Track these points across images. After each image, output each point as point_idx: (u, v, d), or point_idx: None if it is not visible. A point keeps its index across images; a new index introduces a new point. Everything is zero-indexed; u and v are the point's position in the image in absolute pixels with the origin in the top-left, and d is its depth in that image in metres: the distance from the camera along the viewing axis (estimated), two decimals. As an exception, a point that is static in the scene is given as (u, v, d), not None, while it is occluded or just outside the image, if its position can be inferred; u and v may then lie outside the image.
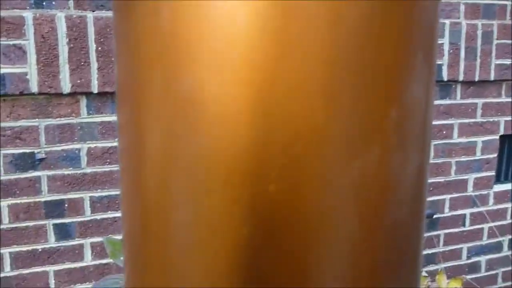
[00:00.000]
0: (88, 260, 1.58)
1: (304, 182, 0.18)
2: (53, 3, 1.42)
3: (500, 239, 2.24)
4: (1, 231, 1.47)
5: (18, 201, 1.48)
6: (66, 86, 1.45)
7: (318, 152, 0.18)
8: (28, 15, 1.39)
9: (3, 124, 1.43)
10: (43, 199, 1.50)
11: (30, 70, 1.41)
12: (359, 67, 0.18)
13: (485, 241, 2.20)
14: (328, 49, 0.18)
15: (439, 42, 1.89)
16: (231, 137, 0.18)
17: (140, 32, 0.20)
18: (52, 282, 1.55)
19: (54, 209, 1.51)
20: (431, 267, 2.11)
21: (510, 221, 2.24)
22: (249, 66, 0.18)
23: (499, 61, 2.02)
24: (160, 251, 0.21)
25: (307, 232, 0.19)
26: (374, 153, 0.19)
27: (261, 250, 0.19)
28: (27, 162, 1.47)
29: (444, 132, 2.01)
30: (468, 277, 2.19)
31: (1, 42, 1.38)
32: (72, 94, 1.47)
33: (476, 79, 2.00)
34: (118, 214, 1.58)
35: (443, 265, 2.13)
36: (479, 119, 2.06)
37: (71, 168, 1.50)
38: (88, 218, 1.55)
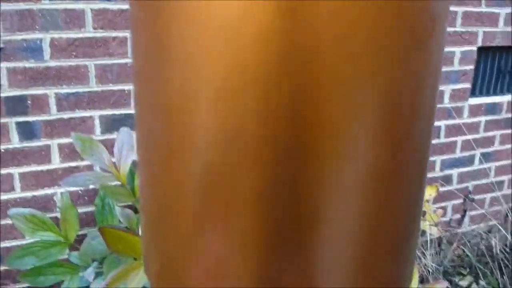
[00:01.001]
0: (56, 162, 1.49)
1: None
2: None
3: (473, 152, 2.26)
4: (-42, 129, 1.36)
5: (-24, 96, 1.36)
6: (23, -34, 1.30)
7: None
8: None
9: (-47, 8, 1.28)
10: (3, 95, 1.38)
11: None
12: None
13: (458, 154, 2.22)
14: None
15: None
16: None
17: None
18: (17, 185, 1.46)
19: (15, 105, 1.40)
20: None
21: (483, 134, 2.26)
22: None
23: (481, -33, 1.96)
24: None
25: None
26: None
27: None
28: (-17, 52, 1.33)
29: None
30: (441, 189, 2.22)
31: None
32: (30, -23, 1.33)
33: (458, -15, 1.94)
34: (86, 114, 1.48)
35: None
36: (458, 29, 2.02)
37: (32, 61, 1.38)
38: (54, 117, 1.45)
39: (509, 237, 1.94)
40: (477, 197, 2.31)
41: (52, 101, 1.43)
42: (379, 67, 0.22)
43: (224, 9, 0.21)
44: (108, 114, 1.51)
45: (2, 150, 1.41)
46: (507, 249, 1.91)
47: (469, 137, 2.19)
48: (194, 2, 0.22)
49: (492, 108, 2.24)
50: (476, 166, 2.30)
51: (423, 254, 1.81)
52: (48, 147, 1.46)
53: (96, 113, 1.49)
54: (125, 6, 1.44)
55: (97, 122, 1.50)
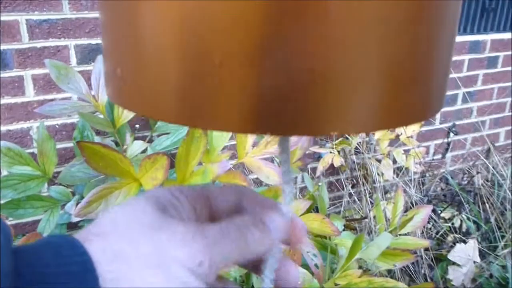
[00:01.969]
0: (31, 95, 1.42)
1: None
2: None
3: (456, 92, 2.26)
4: None
5: None
6: None
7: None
8: None
9: None
10: (-30, 20, 1.30)
11: None
12: None
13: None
14: None
15: None
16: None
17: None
18: (-10, 119, 1.40)
19: (-16, 32, 1.32)
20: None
21: (466, 73, 2.25)
22: None
23: None
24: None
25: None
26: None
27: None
28: None
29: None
30: (423, 129, 2.22)
31: None
32: None
33: None
34: (61, 43, 1.41)
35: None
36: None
37: (0, -17, 1.30)
38: (26, 46, 1.37)
39: (491, 170, 1.96)
40: (459, 137, 2.32)
41: (24, 28, 1.36)
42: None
43: None
44: (84, 43, 1.44)
45: (-28, 81, 1.34)
46: (489, 184, 1.93)
47: (454, 75, 2.17)
48: None
49: (475, 46, 2.23)
50: (459, 105, 2.30)
51: (407, 185, 1.82)
52: (21, 77, 1.39)
53: (71, 42, 1.42)
54: None
55: (72, 52, 1.43)
